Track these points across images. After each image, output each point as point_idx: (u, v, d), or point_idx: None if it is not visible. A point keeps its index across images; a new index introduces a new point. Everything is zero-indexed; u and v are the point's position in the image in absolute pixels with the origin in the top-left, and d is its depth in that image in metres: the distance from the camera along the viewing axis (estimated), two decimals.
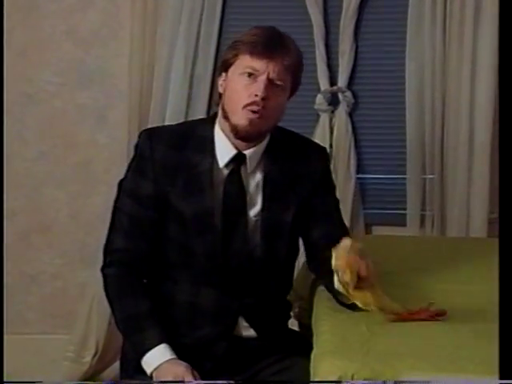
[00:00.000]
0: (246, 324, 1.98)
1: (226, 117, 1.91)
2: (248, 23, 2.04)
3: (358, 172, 3.15)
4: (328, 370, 1.48)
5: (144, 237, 1.95)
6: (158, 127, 2.26)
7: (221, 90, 1.94)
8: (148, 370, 1.86)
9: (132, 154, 2.00)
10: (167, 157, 1.93)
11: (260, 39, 1.87)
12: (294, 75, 1.93)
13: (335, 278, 1.72)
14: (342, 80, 3.13)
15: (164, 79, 3.10)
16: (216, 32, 3.11)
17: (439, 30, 3.03)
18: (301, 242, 2.08)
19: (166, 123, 2.99)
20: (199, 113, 3.05)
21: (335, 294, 1.84)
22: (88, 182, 3.29)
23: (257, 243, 1.95)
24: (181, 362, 1.85)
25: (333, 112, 3.16)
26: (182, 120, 2.95)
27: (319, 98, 3.14)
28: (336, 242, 1.72)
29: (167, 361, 1.85)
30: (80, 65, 3.24)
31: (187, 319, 1.97)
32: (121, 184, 1.99)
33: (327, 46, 3.14)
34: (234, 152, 1.94)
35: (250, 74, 1.86)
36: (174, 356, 1.86)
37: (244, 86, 1.86)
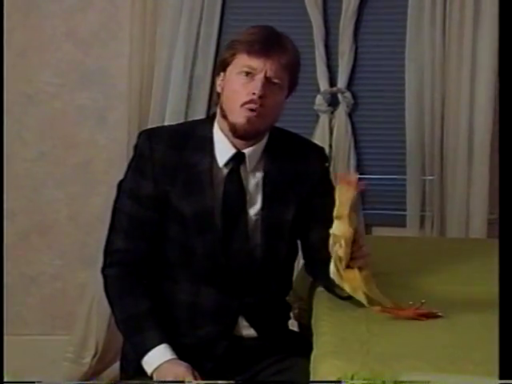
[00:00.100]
0: (246, 323, 1.98)
1: (224, 116, 1.92)
2: (247, 24, 2.03)
3: (357, 173, 3.15)
4: (328, 371, 1.48)
5: (144, 237, 1.95)
6: (157, 127, 2.27)
7: (219, 89, 1.95)
8: (148, 371, 1.86)
9: (132, 154, 2.00)
10: (167, 157, 1.93)
11: (257, 38, 1.88)
12: (292, 74, 1.94)
13: (331, 264, 1.73)
14: (342, 81, 3.13)
15: (164, 80, 3.10)
16: (216, 32, 3.11)
17: (439, 30, 3.03)
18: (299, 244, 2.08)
19: (166, 124, 2.99)
20: (199, 113, 3.04)
21: (332, 288, 1.85)
22: (88, 183, 3.29)
23: (257, 242, 1.96)
24: (181, 362, 1.85)
25: (332, 113, 3.16)
26: (181, 120, 2.95)
27: (319, 99, 3.14)
28: None
29: (167, 361, 1.85)
30: (80, 65, 3.24)
31: (187, 319, 1.97)
32: (120, 185, 2.00)
33: (327, 46, 3.14)
34: (233, 151, 1.94)
35: (247, 73, 1.87)
36: (174, 356, 1.86)
37: (241, 84, 1.87)
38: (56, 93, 3.25)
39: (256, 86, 1.85)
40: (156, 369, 1.85)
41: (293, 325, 2.25)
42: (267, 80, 1.87)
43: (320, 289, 2.02)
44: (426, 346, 1.58)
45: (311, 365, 1.61)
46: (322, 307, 1.89)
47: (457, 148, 3.06)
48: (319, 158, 2.08)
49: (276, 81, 1.89)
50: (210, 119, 2.01)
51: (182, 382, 1.80)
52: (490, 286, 1.76)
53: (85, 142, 3.28)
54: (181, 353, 1.87)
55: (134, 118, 3.12)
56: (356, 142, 3.18)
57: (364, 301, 1.76)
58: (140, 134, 2.00)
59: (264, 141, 1.98)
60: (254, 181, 1.98)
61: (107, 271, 1.99)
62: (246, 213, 1.95)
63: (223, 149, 1.95)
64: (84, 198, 3.30)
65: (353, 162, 3.15)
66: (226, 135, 1.94)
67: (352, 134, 3.16)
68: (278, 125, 2.05)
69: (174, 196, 1.93)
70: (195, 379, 1.83)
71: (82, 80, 3.24)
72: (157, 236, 1.96)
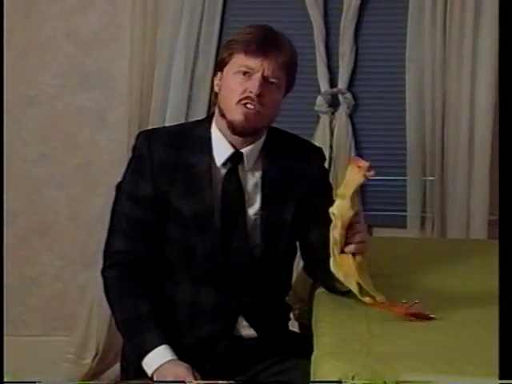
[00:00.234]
0: (245, 323, 1.98)
1: (222, 115, 1.92)
2: (248, 24, 2.03)
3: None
4: (328, 372, 1.48)
5: (144, 238, 1.96)
6: (155, 129, 2.27)
7: (217, 89, 1.96)
8: (149, 371, 1.86)
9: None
10: (165, 157, 1.94)
11: (254, 38, 1.88)
12: (289, 73, 1.94)
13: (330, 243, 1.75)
14: (343, 81, 3.13)
15: (164, 81, 3.10)
16: (216, 33, 3.11)
17: (439, 31, 3.03)
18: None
19: (167, 125, 2.99)
20: (200, 114, 3.04)
21: (332, 283, 1.86)
22: (88, 184, 3.29)
23: (256, 242, 1.96)
24: (181, 362, 1.85)
25: (333, 114, 3.16)
26: (182, 121, 2.95)
27: (319, 100, 3.14)
28: None
29: (168, 361, 1.85)
30: (80, 67, 3.24)
31: (187, 319, 1.97)
32: (119, 187, 2.00)
33: (327, 47, 3.14)
34: (231, 151, 1.95)
35: (244, 73, 1.88)
36: (174, 357, 1.86)
37: (238, 83, 1.88)
38: (56, 94, 3.25)
39: (253, 85, 1.86)
40: (156, 370, 1.85)
41: (293, 325, 2.25)
42: (264, 79, 1.87)
43: (320, 290, 2.02)
44: (427, 347, 1.58)
45: (312, 366, 1.61)
46: (323, 308, 1.89)
47: (457, 149, 3.06)
48: (317, 158, 2.08)
49: (273, 80, 1.89)
50: (207, 119, 2.02)
51: (183, 382, 1.80)
52: (490, 287, 1.76)
53: (85, 143, 3.28)
54: (181, 353, 1.88)
55: (134, 118, 3.12)
56: (356, 142, 3.18)
57: (355, 289, 1.76)
58: (138, 136, 2.00)
59: (262, 140, 1.98)
60: (253, 180, 1.98)
61: (107, 273, 1.99)
62: (244, 212, 1.95)
63: (221, 148, 1.95)
64: (84, 199, 3.30)
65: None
66: (224, 134, 1.95)
67: (352, 134, 3.16)
68: (278, 125, 2.05)
69: (173, 196, 1.93)
70: (195, 380, 1.83)
71: (82, 81, 3.24)
72: (156, 236, 1.96)
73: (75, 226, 3.32)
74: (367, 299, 1.76)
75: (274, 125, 2.02)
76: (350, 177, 1.75)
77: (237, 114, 1.88)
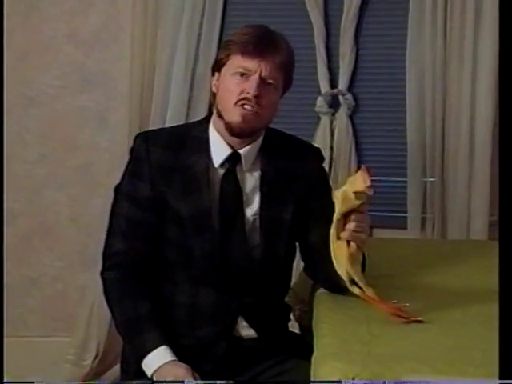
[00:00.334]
0: (245, 324, 1.98)
1: (220, 115, 1.92)
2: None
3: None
4: (329, 373, 1.49)
5: (142, 239, 1.96)
6: (153, 130, 2.27)
7: (214, 89, 1.96)
8: (148, 372, 1.86)
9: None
10: (163, 158, 1.94)
11: (251, 38, 1.88)
12: (286, 73, 1.94)
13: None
14: (343, 82, 3.13)
15: (165, 82, 3.10)
16: (217, 34, 3.11)
17: (440, 32, 3.03)
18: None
19: (167, 126, 2.99)
20: (200, 114, 3.02)
21: (333, 280, 1.86)
22: (89, 185, 3.29)
23: (255, 242, 1.96)
24: (181, 363, 1.85)
25: (333, 114, 3.16)
26: (183, 122, 2.94)
27: (320, 101, 3.14)
28: None
29: (167, 362, 1.85)
30: (81, 68, 3.24)
31: (187, 319, 1.97)
32: (117, 189, 2.00)
33: (328, 48, 3.14)
34: (228, 151, 1.95)
35: (242, 74, 1.88)
36: (174, 358, 1.86)
37: (236, 84, 1.88)
38: (57, 95, 3.25)
39: (251, 86, 1.86)
40: (156, 370, 1.85)
41: (294, 327, 2.25)
42: (262, 80, 1.88)
43: (321, 291, 2.02)
44: (427, 348, 1.58)
45: (312, 367, 1.61)
46: (323, 309, 1.89)
47: (458, 150, 3.06)
48: (316, 158, 2.08)
49: (270, 81, 1.89)
50: (205, 120, 2.02)
51: (182, 382, 1.80)
52: (490, 288, 1.76)
53: (86, 144, 3.28)
54: (180, 354, 1.88)
55: (135, 119, 3.12)
56: (357, 143, 3.17)
57: (345, 277, 1.76)
58: (136, 137, 2.00)
59: (259, 141, 1.98)
60: (251, 181, 1.98)
61: (106, 274, 1.99)
62: (243, 213, 1.96)
63: (219, 149, 1.95)
64: (85, 200, 3.30)
65: (354, 164, 3.14)
66: (222, 135, 1.95)
67: (353, 135, 3.16)
68: (278, 126, 2.05)
69: (171, 197, 1.93)
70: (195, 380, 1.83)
71: (82, 82, 3.25)
72: (155, 237, 1.96)
73: (75, 226, 3.32)
74: (357, 290, 1.75)
75: (274, 125, 2.02)
76: (358, 182, 1.74)
77: (234, 116, 1.88)
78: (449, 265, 2.27)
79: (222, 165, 1.95)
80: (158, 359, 1.86)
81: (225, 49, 1.93)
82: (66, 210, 3.32)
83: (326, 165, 2.79)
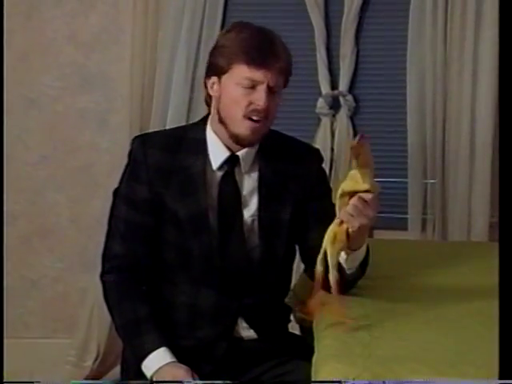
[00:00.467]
0: (245, 324, 1.98)
1: (222, 122, 1.91)
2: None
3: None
4: (329, 374, 1.48)
5: (141, 241, 1.96)
6: (150, 133, 2.28)
7: (212, 92, 1.93)
8: (148, 374, 1.86)
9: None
10: (161, 160, 1.94)
11: (252, 45, 1.85)
12: (287, 76, 1.93)
13: None
14: (344, 84, 3.13)
15: (165, 83, 3.11)
16: (217, 35, 3.10)
17: (440, 33, 3.03)
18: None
19: (168, 127, 3.00)
20: (201, 116, 3.01)
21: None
22: (89, 186, 3.29)
23: (254, 243, 1.96)
24: (181, 364, 1.85)
25: (334, 116, 3.16)
26: (183, 123, 2.95)
27: (320, 102, 3.14)
28: None
29: (167, 364, 1.85)
30: (81, 69, 3.24)
31: (187, 321, 1.97)
32: (116, 192, 2.00)
33: (328, 49, 3.14)
34: (227, 154, 1.95)
35: (248, 84, 1.86)
36: (173, 359, 1.86)
37: (242, 95, 1.86)
38: (57, 96, 3.26)
39: (260, 97, 1.85)
40: (155, 372, 1.85)
41: (295, 328, 2.24)
42: (269, 90, 1.87)
43: (320, 292, 2.01)
44: (428, 349, 1.57)
45: (313, 368, 1.61)
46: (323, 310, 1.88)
47: (458, 151, 3.06)
48: (315, 158, 2.08)
49: (276, 89, 1.89)
50: (202, 121, 2.02)
51: (181, 382, 1.80)
52: (491, 289, 1.75)
53: (86, 145, 3.28)
54: (180, 355, 1.88)
55: (135, 121, 3.13)
56: None
57: (320, 256, 1.74)
58: (134, 140, 2.00)
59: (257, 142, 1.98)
60: (249, 182, 1.98)
61: (106, 277, 2.00)
62: (241, 215, 1.96)
63: (217, 152, 1.95)
64: (85, 202, 3.30)
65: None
66: (220, 137, 1.94)
67: (353, 137, 3.16)
68: (279, 128, 2.05)
69: (169, 199, 1.93)
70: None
71: (83, 83, 3.25)
72: (154, 240, 1.96)
73: (76, 228, 3.32)
74: (319, 269, 1.73)
75: (274, 127, 2.02)
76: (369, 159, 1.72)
77: (242, 128, 1.88)
78: (449, 266, 2.26)
79: (220, 167, 1.95)
80: (157, 361, 1.86)
81: (223, 55, 1.88)
82: (66, 212, 3.32)
83: (326, 166, 2.81)
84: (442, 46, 3.04)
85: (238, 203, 1.96)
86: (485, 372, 1.45)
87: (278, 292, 2.06)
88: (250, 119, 1.87)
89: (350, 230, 1.74)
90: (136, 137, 2.03)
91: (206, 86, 1.96)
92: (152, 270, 1.99)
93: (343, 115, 3.15)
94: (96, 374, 3.21)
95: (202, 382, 1.85)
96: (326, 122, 3.15)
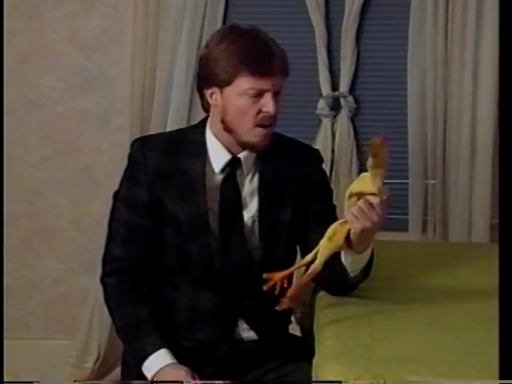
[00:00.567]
0: (246, 326, 1.99)
1: (229, 131, 1.91)
2: None
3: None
4: (330, 376, 1.48)
5: (141, 244, 1.96)
6: (149, 135, 2.28)
7: (213, 102, 1.91)
8: (149, 376, 1.86)
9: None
10: (160, 163, 1.94)
11: (252, 55, 1.84)
12: (287, 74, 1.92)
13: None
14: (344, 85, 3.13)
15: (166, 84, 3.11)
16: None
17: (441, 34, 3.03)
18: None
19: (168, 128, 3.01)
20: (202, 117, 3.04)
21: (334, 286, 1.87)
22: (90, 187, 3.29)
23: (255, 245, 1.96)
24: (181, 366, 1.85)
25: (335, 117, 3.16)
26: (184, 125, 2.95)
27: (321, 103, 3.14)
28: None
29: (167, 365, 1.85)
30: (82, 70, 3.24)
31: (187, 322, 1.98)
32: (116, 195, 2.00)
33: (329, 50, 3.14)
34: (228, 156, 1.95)
35: (255, 94, 1.86)
36: (174, 360, 1.86)
37: (250, 104, 1.86)
38: (58, 97, 3.26)
39: (269, 104, 1.85)
40: (156, 373, 1.85)
41: (295, 329, 2.25)
42: (275, 95, 1.87)
43: (322, 293, 2.02)
44: (429, 351, 1.58)
45: (313, 369, 1.61)
46: (324, 312, 1.88)
47: (459, 152, 3.06)
48: (315, 159, 2.07)
49: (279, 91, 1.89)
50: (201, 124, 2.01)
51: (181, 382, 1.80)
52: (492, 291, 1.75)
53: (87, 146, 3.28)
54: (181, 357, 1.88)
55: (136, 122, 3.13)
56: (358, 146, 3.17)
57: (315, 249, 1.76)
58: (133, 143, 2.00)
59: None
60: (250, 184, 1.98)
61: (106, 280, 2.00)
62: (242, 216, 1.96)
63: (218, 155, 1.95)
64: (86, 203, 3.30)
65: (355, 167, 3.15)
66: (220, 139, 1.94)
67: (354, 138, 3.16)
68: (280, 129, 2.04)
69: (169, 201, 1.93)
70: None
71: (84, 85, 3.25)
72: (154, 242, 1.97)
73: (77, 229, 3.32)
74: (307, 258, 1.76)
75: (275, 128, 2.02)
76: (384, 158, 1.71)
77: (254, 136, 1.89)
78: (450, 267, 2.26)
79: (222, 170, 1.95)
80: (157, 362, 1.86)
81: (222, 67, 1.85)
82: (67, 213, 3.32)
83: (327, 167, 2.81)
84: (442, 46, 3.04)
85: (238, 205, 1.96)
86: (485, 373, 1.45)
87: (278, 293, 2.06)
88: (261, 126, 1.88)
89: (352, 231, 1.74)
90: (135, 139, 2.03)
91: (202, 95, 1.95)
92: (152, 272, 1.99)
93: (344, 116, 3.15)
94: (97, 375, 3.21)
95: (201, 382, 1.85)
96: (326, 123, 3.15)
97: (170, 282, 1.99)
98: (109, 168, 3.21)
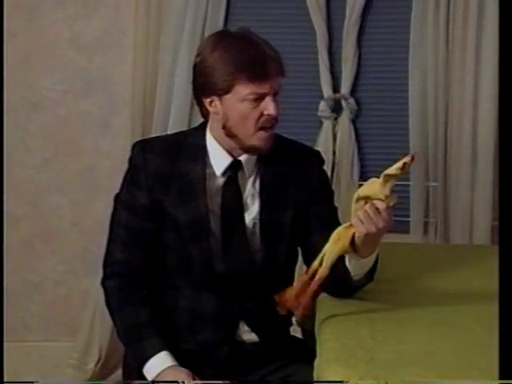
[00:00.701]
0: (247, 328, 1.98)
1: (232, 136, 1.90)
2: (251, 30, 2.02)
3: (361, 179, 3.14)
4: (331, 378, 1.48)
5: (142, 247, 1.96)
6: (150, 138, 2.28)
7: (212, 109, 1.90)
8: (149, 378, 1.86)
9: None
10: (160, 166, 1.94)
11: (248, 61, 1.82)
12: (283, 74, 1.91)
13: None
14: (345, 87, 3.13)
15: (167, 86, 3.11)
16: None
17: (442, 35, 3.03)
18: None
19: (170, 130, 3.01)
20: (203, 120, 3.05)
21: (335, 288, 1.86)
22: (91, 189, 3.29)
23: (256, 247, 1.96)
24: (182, 368, 1.85)
25: (336, 119, 3.17)
26: (185, 127, 2.95)
27: (322, 105, 3.14)
28: None
29: (168, 367, 1.85)
30: (83, 72, 3.24)
31: (188, 325, 1.97)
32: (117, 198, 2.00)
33: (330, 53, 3.14)
34: (229, 159, 1.94)
35: (254, 99, 1.86)
36: (175, 363, 1.86)
37: (251, 109, 1.85)
38: (59, 99, 3.26)
39: (270, 107, 1.85)
40: (157, 376, 1.85)
41: (296, 331, 2.24)
42: (274, 96, 1.87)
43: (323, 295, 2.01)
44: (430, 353, 1.57)
45: (315, 371, 1.61)
46: (325, 313, 1.88)
47: (460, 154, 3.06)
48: (315, 160, 2.07)
49: (278, 92, 1.89)
50: (201, 127, 2.01)
51: (182, 382, 1.81)
52: (493, 292, 1.75)
53: (88, 148, 3.28)
54: (182, 359, 1.87)
55: (137, 124, 3.13)
56: (359, 148, 3.18)
57: (321, 254, 1.76)
58: (134, 146, 2.00)
59: None
60: (251, 186, 1.97)
61: (107, 283, 1.99)
62: (243, 219, 1.95)
63: (219, 158, 1.95)
64: (87, 204, 3.30)
65: (356, 169, 3.15)
66: (220, 142, 1.93)
67: (355, 140, 3.16)
68: (281, 131, 2.04)
69: (169, 205, 1.93)
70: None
71: (85, 86, 3.25)
72: (154, 245, 1.96)
73: (78, 231, 3.32)
74: (316, 263, 1.76)
75: (276, 130, 2.01)
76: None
77: (258, 140, 1.88)
78: (451, 269, 2.26)
79: (223, 173, 1.95)
80: (158, 365, 1.85)
81: (219, 76, 1.84)
82: (68, 214, 3.32)
83: (328, 169, 2.81)
84: (443, 47, 3.04)
85: (240, 208, 1.95)
86: (488, 375, 1.44)
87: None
88: (263, 128, 1.88)
89: (356, 235, 1.74)
90: (136, 142, 2.02)
91: (200, 102, 1.94)
92: (153, 274, 1.99)
93: (345, 118, 3.15)
94: (98, 377, 3.21)
95: (201, 381, 1.85)
96: (327, 125, 3.15)
97: (171, 285, 1.99)
98: (110, 170, 3.22)
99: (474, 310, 1.84)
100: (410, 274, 2.20)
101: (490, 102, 3.02)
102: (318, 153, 2.12)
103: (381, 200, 1.70)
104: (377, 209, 1.71)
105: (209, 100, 1.90)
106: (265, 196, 1.97)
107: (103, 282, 2.00)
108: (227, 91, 1.86)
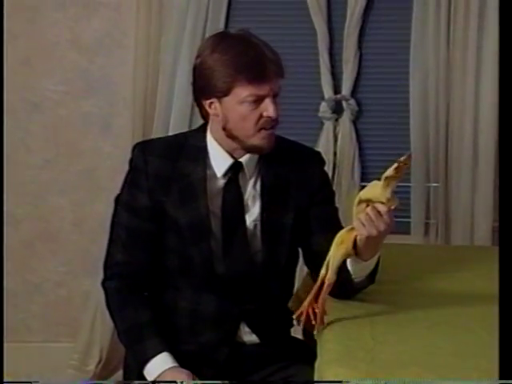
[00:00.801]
0: (247, 329, 1.98)
1: (232, 137, 1.90)
2: (252, 32, 2.01)
3: (362, 180, 3.15)
4: (332, 379, 1.48)
5: (143, 248, 1.96)
6: (150, 140, 2.28)
7: (212, 111, 1.90)
8: (150, 379, 1.86)
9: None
10: (161, 168, 1.94)
11: (247, 63, 1.82)
12: (283, 75, 1.91)
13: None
14: (346, 88, 3.13)
15: (168, 87, 3.11)
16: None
17: (443, 36, 3.03)
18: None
19: (171, 131, 3.01)
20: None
21: (336, 289, 1.85)
22: (92, 190, 3.29)
23: (257, 248, 1.96)
24: (182, 369, 1.85)
25: (337, 120, 3.17)
26: (186, 128, 2.95)
27: (323, 106, 3.14)
28: None
29: (169, 368, 1.85)
30: (84, 73, 3.24)
31: (189, 326, 1.97)
32: (117, 199, 2.00)
33: (331, 54, 3.14)
34: (230, 161, 1.94)
35: (254, 100, 1.86)
36: (175, 364, 1.86)
37: (251, 110, 1.85)
38: (60, 100, 3.26)
39: (270, 108, 1.85)
40: (157, 377, 1.85)
41: (297, 332, 2.24)
42: (273, 98, 1.87)
43: None
44: (431, 354, 1.57)
45: (315, 373, 1.61)
46: (326, 315, 1.88)
47: (461, 155, 3.06)
48: (316, 161, 2.06)
49: (278, 93, 1.88)
50: (202, 128, 2.00)
51: (181, 382, 1.81)
52: (494, 294, 1.75)
53: (89, 149, 3.28)
54: (182, 360, 1.88)
55: (138, 125, 3.13)
56: (360, 149, 3.18)
57: (326, 260, 1.77)
58: (134, 148, 2.00)
59: None
60: (251, 187, 1.97)
61: (108, 284, 2.00)
62: (244, 220, 1.95)
63: (220, 159, 1.95)
64: (88, 205, 3.30)
65: (357, 169, 3.15)
66: (221, 144, 1.93)
67: (356, 141, 3.16)
68: (282, 132, 2.04)
69: (170, 206, 1.93)
70: None
71: (86, 87, 3.25)
72: (155, 246, 1.96)
73: (79, 232, 3.32)
74: (323, 271, 1.76)
75: (277, 131, 2.01)
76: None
77: (258, 140, 1.88)
78: (452, 270, 2.26)
79: (224, 174, 1.95)
80: (159, 366, 1.86)
81: (218, 78, 1.84)
82: (69, 215, 3.32)
83: (329, 170, 2.81)
84: (444, 48, 3.04)
85: (241, 209, 1.95)
86: (488, 376, 1.44)
87: (280, 296, 2.06)
88: (264, 129, 1.87)
89: (358, 237, 1.74)
90: (136, 144, 2.02)
91: (199, 104, 1.94)
92: (154, 276, 1.99)
93: (346, 119, 3.15)
94: (99, 378, 3.21)
95: (201, 381, 1.85)
96: (328, 126, 3.15)
97: (171, 286, 1.99)
98: (111, 170, 3.21)
99: (475, 311, 1.84)
100: (410, 275, 2.20)
101: (490, 103, 3.02)
102: (318, 154, 2.12)
103: (382, 203, 1.70)
104: (378, 212, 1.71)
105: (208, 102, 1.90)
106: (266, 197, 1.97)
107: (104, 283, 2.00)
108: (226, 93, 1.85)
